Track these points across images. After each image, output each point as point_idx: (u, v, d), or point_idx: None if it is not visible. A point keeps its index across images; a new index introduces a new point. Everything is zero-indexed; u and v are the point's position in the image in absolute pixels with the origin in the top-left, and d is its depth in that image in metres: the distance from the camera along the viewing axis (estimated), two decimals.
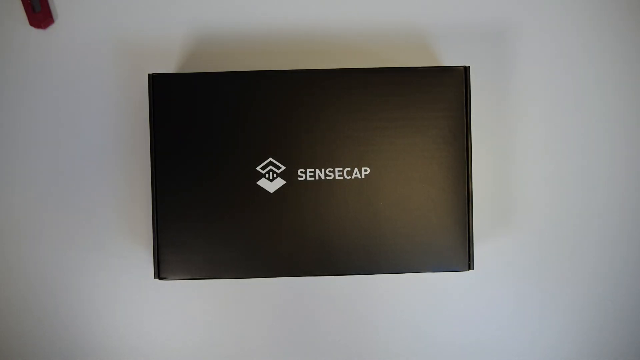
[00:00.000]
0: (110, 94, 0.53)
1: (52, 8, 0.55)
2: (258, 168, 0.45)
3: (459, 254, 0.46)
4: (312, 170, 0.45)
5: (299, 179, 0.45)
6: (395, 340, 0.54)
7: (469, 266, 0.46)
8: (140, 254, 0.53)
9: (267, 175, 0.45)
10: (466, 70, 0.46)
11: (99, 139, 0.54)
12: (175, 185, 0.45)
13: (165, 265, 0.45)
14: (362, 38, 0.53)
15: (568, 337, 0.54)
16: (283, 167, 0.45)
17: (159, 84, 0.45)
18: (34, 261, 0.53)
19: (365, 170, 0.45)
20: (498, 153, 0.53)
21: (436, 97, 0.46)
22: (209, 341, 0.53)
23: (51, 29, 0.55)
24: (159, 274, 0.45)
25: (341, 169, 0.45)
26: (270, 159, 0.45)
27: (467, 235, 0.46)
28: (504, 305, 0.54)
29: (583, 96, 0.54)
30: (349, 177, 0.45)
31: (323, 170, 0.45)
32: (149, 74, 0.46)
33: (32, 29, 0.55)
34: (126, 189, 0.53)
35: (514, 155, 0.53)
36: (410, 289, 0.54)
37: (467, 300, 0.54)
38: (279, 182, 0.45)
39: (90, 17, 0.54)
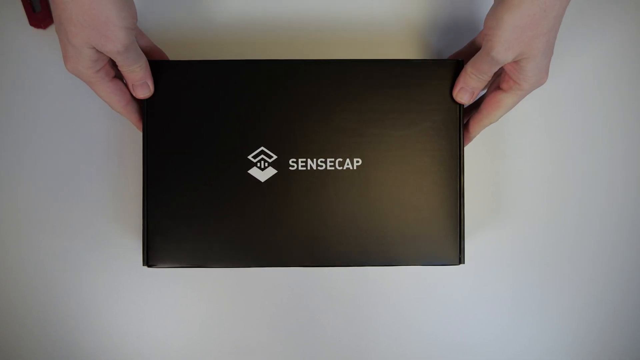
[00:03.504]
0: None
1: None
2: (250, 157, 0.45)
3: (449, 247, 0.45)
4: (304, 160, 0.45)
5: (290, 168, 0.45)
6: (391, 334, 0.53)
7: (460, 260, 0.45)
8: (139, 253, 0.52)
9: (258, 164, 0.45)
10: (459, 63, 0.46)
11: (98, 138, 0.54)
12: (166, 174, 0.45)
13: (154, 252, 0.44)
14: (357, 30, 0.54)
15: (567, 338, 0.53)
16: (275, 157, 0.45)
17: (152, 70, 0.46)
18: (33, 261, 0.52)
19: (357, 162, 0.45)
20: (492, 149, 0.53)
21: (430, 90, 0.46)
22: (206, 336, 0.52)
23: (51, 29, 0.56)
24: (148, 261, 0.44)
25: (333, 159, 0.45)
26: (262, 148, 0.45)
27: (458, 229, 0.45)
28: (502, 305, 0.53)
29: (579, 89, 0.54)
30: (341, 168, 0.45)
31: (315, 160, 0.45)
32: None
33: (32, 29, 0.56)
34: (123, 183, 0.53)
35: (508, 152, 0.53)
36: (406, 284, 0.53)
37: (464, 298, 0.53)
38: (270, 172, 0.45)
39: None
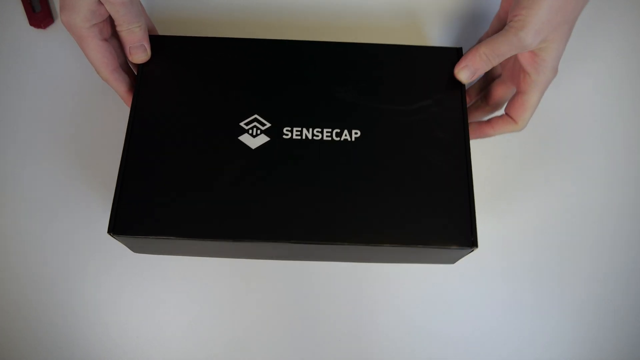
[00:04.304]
0: (110, 92, 0.50)
1: (52, 8, 0.56)
2: (242, 124, 0.42)
3: (460, 228, 0.40)
4: (299, 129, 0.42)
5: (284, 137, 0.42)
6: (391, 333, 0.48)
7: (473, 243, 0.40)
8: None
9: (250, 131, 0.42)
10: (458, 51, 0.46)
11: (98, 137, 0.52)
12: (150, 139, 0.41)
13: (122, 220, 0.39)
14: (357, 17, 0.55)
15: (567, 338, 0.48)
16: (268, 124, 0.42)
17: (151, 44, 0.45)
18: (32, 260, 0.49)
19: (356, 133, 0.42)
20: (493, 149, 0.51)
21: (431, 73, 0.45)
22: (206, 334, 0.48)
23: (51, 29, 0.56)
24: (113, 229, 0.39)
25: (330, 130, 0.42)
26: (256, 115, 0.42)
27: (468, 204, 0.40)
28: (501, 304, 0.49)
29: (575, 71, 0.54)
30: (338, 139, 0.42)
31: (310, 130, 0.42)
32: None
33: (32, 29, 0.56)
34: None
35: (508, 151, 0.52)
36: (406, 283, 0.49)
37: (464, 297, 0.49)
38: (263, 139, 0.42)
39: None
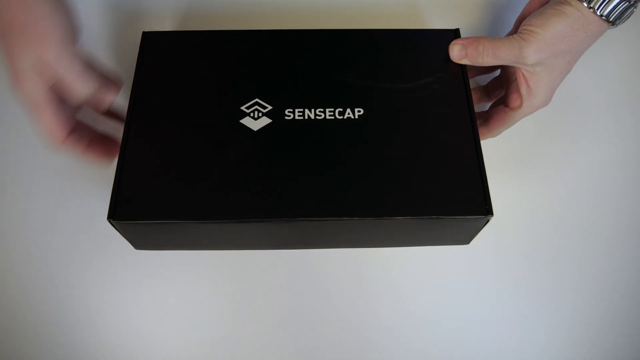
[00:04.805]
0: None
1: None
2: (243, 107, 0.42)
3: (473, 197, 0.38)
4: (301, 110, 0.42)
5: (286, 118, 0.41)
6: (393, 322, 0.46)
7: (487, 211, 0.38)
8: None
9: (251, 114, 0.41)
10: (456, 32, 0.46)
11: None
12: (150, 125, 0.41)
13: (123, 205, 0.38)
14: (355, 6, 0.55)
15: (568, 338, 0.46)
16: (269, 107, 0.42)
17: (151, 40, 0.45)
18: (30, 259, 0.47)
19: (359, 111, 0.42)
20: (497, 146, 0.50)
21: (430, 54, 0.45)
22: (206, 333, 0.45)
23: None
24: (114, 215, 0.37)
25: (332, 109, 0.42)
26: (257, 99, 0.42)
27: (480, 175, 0.39)
28: (503, 305, 0.46)
29: (587, 89, 0.53)
30: (341, 117, 0.41)
31: (313, 110, 0.42)
32: (143, 32, 0.46)
33: None
34: None
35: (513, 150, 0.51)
36: (410, 268, 0.47)
37: (465, 296, 0.46)
38: (265, 121, 0.41)
39: None
